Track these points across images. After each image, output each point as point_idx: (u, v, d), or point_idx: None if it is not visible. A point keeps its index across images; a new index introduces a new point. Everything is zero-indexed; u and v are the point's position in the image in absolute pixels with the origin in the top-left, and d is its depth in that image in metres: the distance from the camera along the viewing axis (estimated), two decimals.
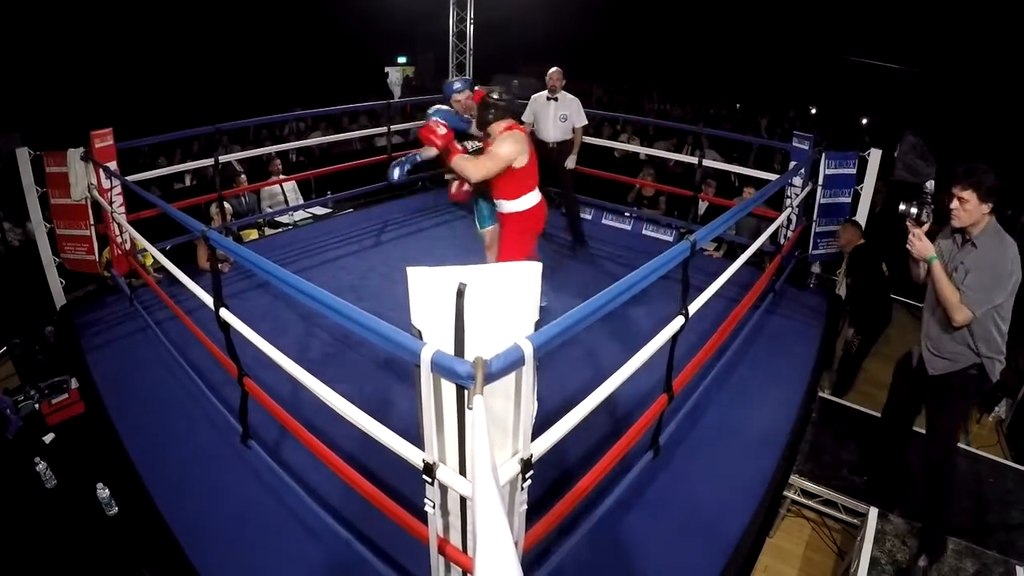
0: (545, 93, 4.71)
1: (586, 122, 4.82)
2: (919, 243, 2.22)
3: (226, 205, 4.77)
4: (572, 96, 4.73)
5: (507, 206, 3.05)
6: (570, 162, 4.86)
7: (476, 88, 3.61)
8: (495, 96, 2.98)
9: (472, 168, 2.86)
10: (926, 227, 2.34)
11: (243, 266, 2.11)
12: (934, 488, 2.47)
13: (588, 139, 6.48)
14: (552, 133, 4.74)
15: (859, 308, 3.98)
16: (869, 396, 4.49)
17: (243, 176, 5.57)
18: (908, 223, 2.40)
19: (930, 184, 3.07)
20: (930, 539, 2.50)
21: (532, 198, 3.06)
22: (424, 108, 4.77)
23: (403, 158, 3.31)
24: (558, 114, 4.69)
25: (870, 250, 3.88)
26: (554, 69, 4.69)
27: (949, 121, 11.86)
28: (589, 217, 5.57)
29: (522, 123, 3.20)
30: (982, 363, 2.24)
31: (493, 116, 2.96)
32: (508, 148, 2.87)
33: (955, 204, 2.17)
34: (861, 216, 4.21)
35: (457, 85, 3.67)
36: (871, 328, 3.92)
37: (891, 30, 13.31)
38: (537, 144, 4.54)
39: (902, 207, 2.56)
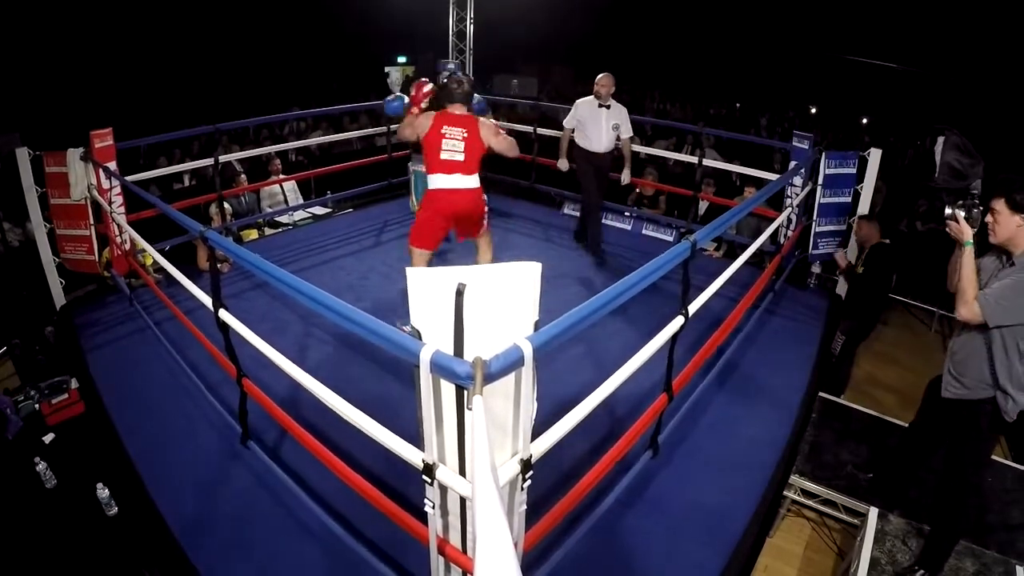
0: (592, 99, 4.43)
1: (632, 133, 4.61)
2: (958, 224, 2.16)
3: (226, 205, 4.77)
4: (621, 104, 4.50)
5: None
6: (625, 176, 4.67)
7: (448, 74, 3.74)
8: (452, 85, 3.22)
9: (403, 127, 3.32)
10: (973, 231, 2.22)
11: (243, 266, 2.11)
12: (944, 521, 2.40)
13: None
14: (604, 142, 4.47)
15: (854, 308, 3.98)
16: (869, 396, 4.50)
17: (243, 176, 5.58)
18: (952, 231, 2.24)
19: (977, 184, 2.83)
20: (932, 559, 2.44)
21: (435, 180, 3.21)
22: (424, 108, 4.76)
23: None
24: (610, 123, 4.43)
25: (889, 253, 3.78)
26: (603, 75, 4.43)
27: (949, 121, 11.87)
28: None
29: (473, 112, 3.32)
30: (995, 396, 2.13)
31: (442, 99, 3.27)
32: (420, 122, 3.20)
33: (989, 218, 2.10)
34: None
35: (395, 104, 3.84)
36: (857, 331, 3.93)
37: (891, 30, 13.31)
38: (586, 154, 4.49)
39: (948, 211, 2.31)
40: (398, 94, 3.87)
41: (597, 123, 4.43)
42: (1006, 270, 2.09)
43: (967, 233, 2.14)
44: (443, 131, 3.14)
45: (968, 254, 2.12)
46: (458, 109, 3.20)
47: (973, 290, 2.08)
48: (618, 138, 4.50)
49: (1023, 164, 9.10)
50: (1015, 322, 2.02)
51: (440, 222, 3.28)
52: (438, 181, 3.19)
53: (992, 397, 2.14)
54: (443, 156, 3.15)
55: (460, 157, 3.15)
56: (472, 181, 3.22)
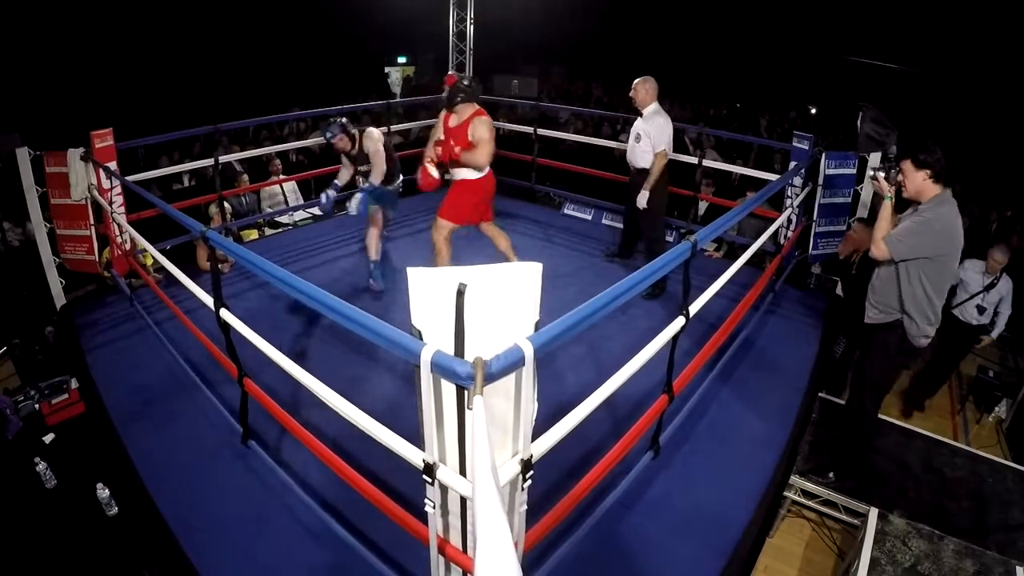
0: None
1: (663, 148, 3.85)
2: (879, 183, 2.62)
3: (226, 205, 4.77)
4: (659, 113, 3.89)
5: (463, 173, 3.52)
6: (641, 199, 3.92)
7: (449, 73, 3.77)
8: (465, 83, 3.40)
9: (478, 158, 3.40)
10: (893, 189, 2.65)
11: (243, 266, 2.11)
12: (848, 438, 2.89)
13: (588, 139, 6.48)
14: (631, 156, 4.03)
15: (854, 310, 3.98)
16: None
17: (244, 176, 5.58)
18: (875, 188, 2.76)
19: (893, 150, 3.32)
20: (840, 463, 2.92)
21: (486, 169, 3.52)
22: (425, 107, 4.76)
23: (358, 193, 3.72)
24: (634, 133, 3.98)
25: None
26: (640, 80, 3.95)
27: (949, 121, 11.87)
28: (589, 217, 5.58)
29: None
30: (903, 320, 2.51)
31: (461, 99, 3.38)
32: (488, 130, 3.37)
33: (901, 176, 2.52)
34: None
35: (328, 134, 3.71)
36: (858, 333, 3.93)
37: (891, 30, 13.31)
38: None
39: (870, 172, 2.94)
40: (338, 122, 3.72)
41: (628, 134, 4.15)
42: (907, 213, 2.51)
43: (886, 189, 2.60)
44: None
45: (886, 207, 2.56)
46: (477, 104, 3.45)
47: (882, 232, 2.50)
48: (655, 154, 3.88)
49: (1023, 163, 9.12)
50: (914, 256, 2.41)
51: (484, 202, 3.65)
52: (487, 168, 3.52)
53: (900, 321, 2.53)
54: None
55: (456, 150, 3.42)
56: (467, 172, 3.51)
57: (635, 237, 4.51)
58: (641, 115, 3.95)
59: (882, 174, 2.70)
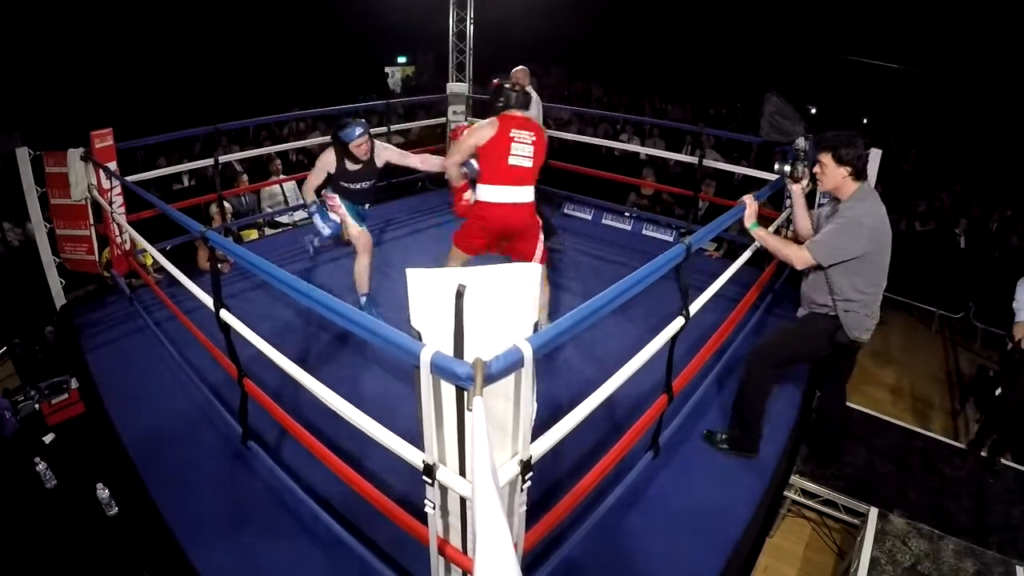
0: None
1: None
2: (748, 208, 2.58)
3: (226, 204, 4.76)
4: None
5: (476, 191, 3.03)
6: None
7: (494, 80, 3.32)
8: (507, 86, 3.02)
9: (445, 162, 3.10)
10: (804, 183, 2.61)
11: (243, 266, 2.11)
12: (739, 394, 2.68)
13: (587, 139, 6.53)
14: None
15: None
16: (868, 396, 4.50)
17: (244, 176, 5.58)
18: (787, 181, 2.71)
19: (801, 141, 3.15)
20: (742, 437, 2.69)
21: (492, 192, 2.93)
22: (425, 107, 4.74)
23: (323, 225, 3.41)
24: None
25: None
26: (518, 68, 4.44)
27: (949, 121, 11.86)
28: (589, 217, 5.58)
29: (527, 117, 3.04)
30: (838, 314, 2.44)
31: (502, 105, 2.99)
32: (474, 133, 2.96)
33: (817, 168, 2.41)
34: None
35: (358, 131, 3.28)
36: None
37: (891, 30, 13.30)
38: None
39: (776, 166, 2.76)
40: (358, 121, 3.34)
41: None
42: (831, 218, 2.41)
43: (751, 218, 2.56)
44: (512, 134, 2.90)
45: (758, 233, 2.54)
46: (521, 113, 3.00)
47: (789, 247, 2.45)
48: None
49: (1022, 162, 9.12)
50: (844, 258, 2.32)
51: (491, 237, 3.05)
52: (497, 194, 2.93)
53: (833, 313, 2.45)
54: (511, 162, 2.90)
55: (529, 163, 2.94)
56: (531, 194, 3.00)
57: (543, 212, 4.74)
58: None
59: (787, 168, 2.66)
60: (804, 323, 2.61)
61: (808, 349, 2.62)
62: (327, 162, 3.35)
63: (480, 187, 2.97)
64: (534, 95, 4.59)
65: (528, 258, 3.04)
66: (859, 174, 2.33)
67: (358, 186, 3.38)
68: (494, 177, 2.93)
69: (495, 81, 3.13)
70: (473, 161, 3.07)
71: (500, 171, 2.91)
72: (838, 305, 2.42)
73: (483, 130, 2.94)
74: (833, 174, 2.34)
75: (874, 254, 2.33)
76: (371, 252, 3.53)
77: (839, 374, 2.84)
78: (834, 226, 2.34)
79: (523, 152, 2.92)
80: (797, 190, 2.60)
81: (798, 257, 2.39)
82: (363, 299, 3.58)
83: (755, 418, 2.64)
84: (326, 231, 3.39)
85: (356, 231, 3.45)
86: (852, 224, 2.30)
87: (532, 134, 2.95)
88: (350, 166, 3.34)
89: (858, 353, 2.77)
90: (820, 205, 2.75)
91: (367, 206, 3.58)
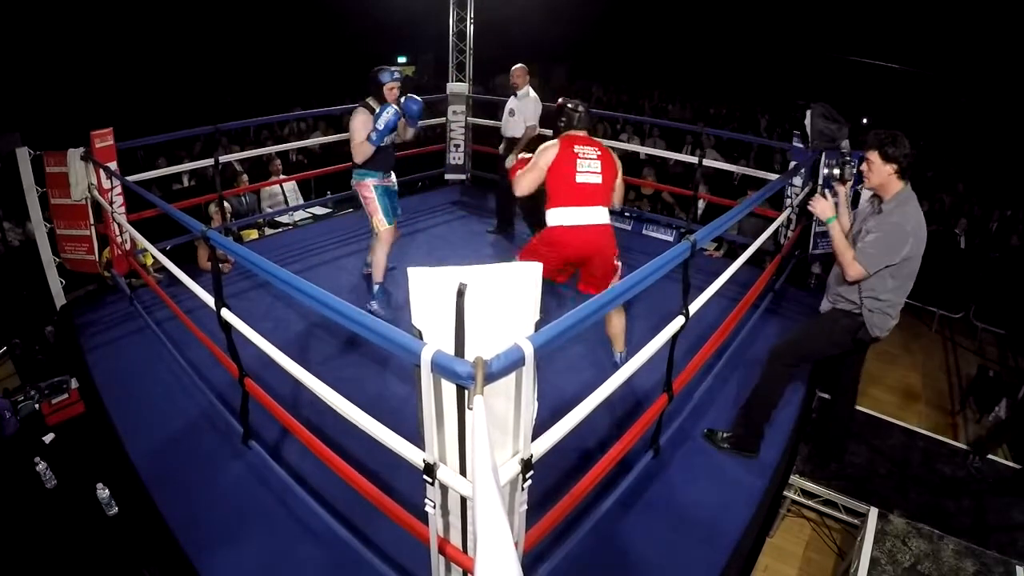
0: None
1: (533, 123, 4.67)
2: (820, 203, 2.56)
3: (226, 204, 4.76)
4: (530, 94, 4.66)
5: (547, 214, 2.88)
6: (510, 160, 4.50)
7: (559, 100, 3.13)
8: (569, 106, 2.92)
9: (517, 182, 2.90)
10: (849, 184, 2.68)
11: (244, 266, 2.11)
12: (754, 392, 2.71)
13: None
14: (504, 129, 4.78)
15: None
16: (869, 396, 4.50)
17: (244, 176, 5.58)
18: (834, 184, 2.73)
19: (846, 144, 3.27)
20: (744, 434, 2.70)
21: (564, 215, 2.78)
22: (425, 107, 4.77)
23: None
24: (508, 109, 4.71)
25: None
26: (517, 66, 4.65)
27: (949, 121, 11.86)
28: None
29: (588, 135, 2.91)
30: (862, 313, 2.47)
31: (563, 125, 2.91)
32: (543, 157, 2.83)
33: (864, 166, 2.44)
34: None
35: (395, 74, 3.57)
36: None
37: (891, 30, 13.30)
38: None
39: (825, 171, 2.94)
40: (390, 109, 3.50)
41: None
42: (872, 221, 2.42)
43: (828, 210, 2.53)
44: (576, 150, 2.78)
45: (834, 228, 2.50)
46: (583, 132, 2.89)
47: (849, 252, 2.42)
48: None
49: (1022, 162, 9.11)
50: (889, 263, 2.36)
51: (567, 262, 2.86)
52: (570, 216, 2.76)
53: (858, 310, 2.48)
54: (579, 179, 2.75)
55: (598, 179, 2.78)
56: (608, 215, 2.83)
57: (511, 206, 4.97)
58: (515, 95, 4.70)
59: (837, 171, 2.69)
60: (826, 320, 2.62)
61: (831, 347, 2.65)
62: (363, 120, 3.49)
63: (549, 212, 2.82)
64: (532, 94, 4.63)
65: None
66: (904, 172, 2.37)
67: (393, 112, 3.45)
68: (562, 198, 2.78)
69: (559, 101, 3.02)
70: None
71: (569, 190, 2.77)
72: (865, 303, 2.45)
73: (547, 152, 2.82)
74: (879, 171, 2.38)
75: (912, 259, 2.38)
76: (389, 246, 3.64)
77: (852, 370, 2.86)
78: (878, 235, 2.36)
79: (590, 168, 2.78)
80: (843, 192, 2.65)
81: (854, 270, 2.39)
82: (376, 287, 3.67)
83: (763, 418, 2.66)
84: (391, 116, 3.43)
85: (382, 226, 3.61)
86: (896, 231, 2.33)
87: (597, 150, 2.84)
88: None
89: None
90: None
91: (399, 209, 3.79)
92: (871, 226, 2.40)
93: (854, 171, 2.66)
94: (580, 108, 2.90)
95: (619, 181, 2.93)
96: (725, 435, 2.72)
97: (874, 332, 2.49)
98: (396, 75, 3.54)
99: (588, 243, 2.78)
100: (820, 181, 4.21)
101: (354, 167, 3.62)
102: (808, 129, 3.62)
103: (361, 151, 3.50)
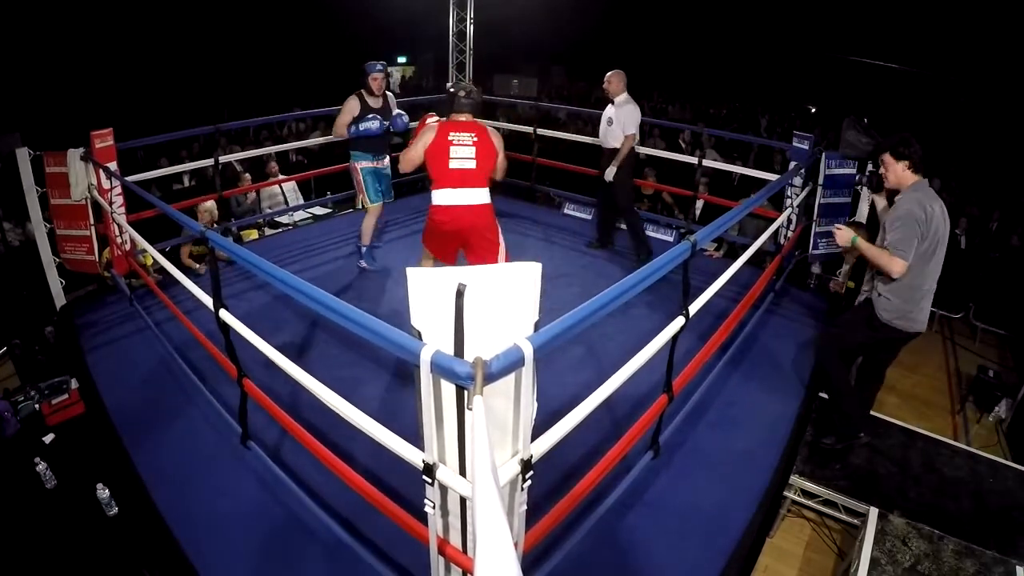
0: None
1: (633, 131, 4.34)
2: (838, 235, 2.70)
3: (214, 209, 4.66)
4: (629, 101, 4.35)
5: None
6: (609, 172, 4.41)
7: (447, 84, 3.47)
8: (452, 90, 3.04)
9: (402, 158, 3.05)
10: (883, 194, 2.82)
11: (243, 266, 2.11)
12: (828, 387, 3.00)
13: (586, 139, 6.51)
14: (603, 138, 4.56)
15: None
16: None
17: (247, 176, 5.57)
18: (872, 195, 3.00)
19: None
20: (840, 427, 2.95)
21: (441, 195, 2.97)
22: (425, 107, 4.81)
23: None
24: (606, 118, 4.49)
25: None
26: (612, 72, 4.34)
27: (948, 121, 11.86)
28: (589, 217, 5.58)
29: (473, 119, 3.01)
30: (871, 296, 2.65)
31: (446, 108, 3.06)
32: (422, 138, 2.99)
33: (882, 169, 2.65)
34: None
35: (378, 66, 4.02)
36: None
37: (891, 30, 13.31)
38: None
39: (865, 182, 3.28)
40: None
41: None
42: (889, 216, 2.58)
43: (847, 237, 2.66)
44: (451, 137, 2.92)
45: (861, 244, 2.63)
46: (464, 117, 3.00)
47: (883, 255, 2.53)
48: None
49: (1022, 162, 9.11)
50: (914, 247, 2.51)
51: (447, 240, 3.06)
52: (444, 196, 2.96)
53: (869, 297, 2.68)
54: (452, 165, 2.92)
55: (471, 164, 2.93)
56: (483, 196, 2.99)
57: (612, 220, 4.86)
58: (613, 103, 4.40)
59: (876, 196, 2.88)
60: (854, 310, 2.87)
61: (854, 335, 2.81)
62: (353, 105, 3.98)
63: (432, 193, 3.01)
64: (631, 101, 4.39)
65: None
66: (916, 167, 2.54)
67: (377, 124, 3.93)
68: (438, 180, 2.97)
69: (447, 85, 3.21)
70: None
71: (443, 174, 2.95)
72: (876, 286, 2.62)
73: (425, 134, 2.99)
74: (894, 168, 2.57)
75: (937, 244, 2.54)
76: (376, 218, 4.18)
77: (878, 369, 3.01)
78: (896, 222, 2.51)
79: (464, 154, 2.94)
80: (879, 200, 2.85)
81: (895, 264, 2.50)
82: (363, 248, 4.19)
83: (851, 406, 2.87)
84: (374, 126, 3.92)
85: (368, 203, 4.14)
86: (908, 214, 2.49)
87: (473, 135, 2.95)
88: (371, 102, 4.01)
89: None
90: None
91: (390, 191, 4.24)
92: (889, 220, 2.57)
93: (880, 171, 2.77)
94: (462, 92, 2.98)
95: (500, 159, 3.06)
96: (829, 441, 2.96)
97: (881, 316, 2.60)
98: (379, 68, 3.98)
99: (461, 220, 2.98)
100: (820, 181, 4.22)
101: (350, 148, 4.07)
102: (843, 139, 3.90)
103: (337, 129, 4.02)
